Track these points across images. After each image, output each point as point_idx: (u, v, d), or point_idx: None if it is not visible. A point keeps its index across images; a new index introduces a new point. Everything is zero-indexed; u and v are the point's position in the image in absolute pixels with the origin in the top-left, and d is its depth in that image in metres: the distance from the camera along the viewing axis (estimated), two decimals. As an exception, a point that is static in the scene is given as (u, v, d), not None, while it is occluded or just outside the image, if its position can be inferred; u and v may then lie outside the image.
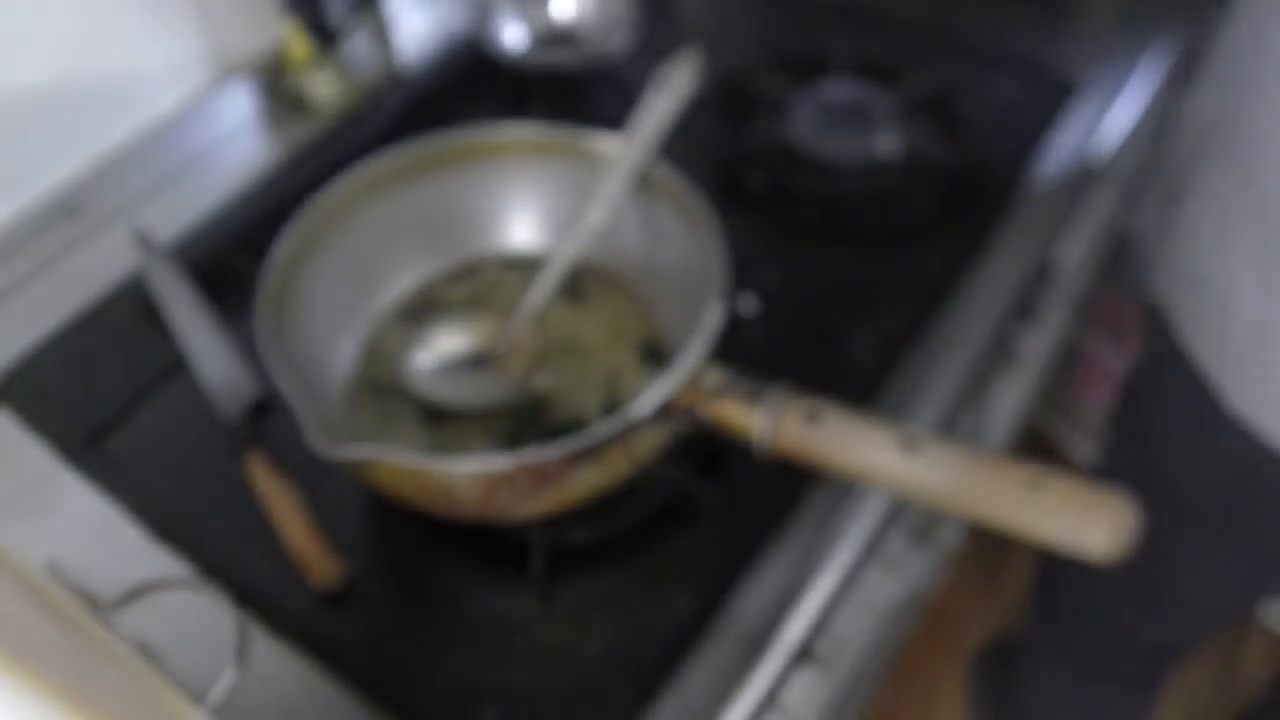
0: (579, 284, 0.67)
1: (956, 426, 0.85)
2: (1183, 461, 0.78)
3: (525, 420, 0.61)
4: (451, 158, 0.66)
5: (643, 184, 0.64)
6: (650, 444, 0.54)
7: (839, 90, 0.84)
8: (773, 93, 0.84)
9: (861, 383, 0.67)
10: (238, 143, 0.85)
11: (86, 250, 0.77)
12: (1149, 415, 0.81)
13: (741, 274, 0.66)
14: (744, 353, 0.67)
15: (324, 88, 0.85)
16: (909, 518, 0.92)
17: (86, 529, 0.61)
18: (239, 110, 0.85)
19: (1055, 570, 1.05)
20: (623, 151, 0.63)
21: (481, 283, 0.69)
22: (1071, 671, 1.07)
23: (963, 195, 0.79)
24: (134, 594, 0.57)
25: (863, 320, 0.70)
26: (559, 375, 0.63)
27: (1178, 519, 0.80)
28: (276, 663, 0.55)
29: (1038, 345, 1.07)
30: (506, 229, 0.70)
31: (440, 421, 0.61)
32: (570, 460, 0.50)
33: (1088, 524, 0.44)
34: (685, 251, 0.61)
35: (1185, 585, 0.86)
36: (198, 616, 0.57)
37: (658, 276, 0.66)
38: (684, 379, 0.52)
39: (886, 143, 0.80)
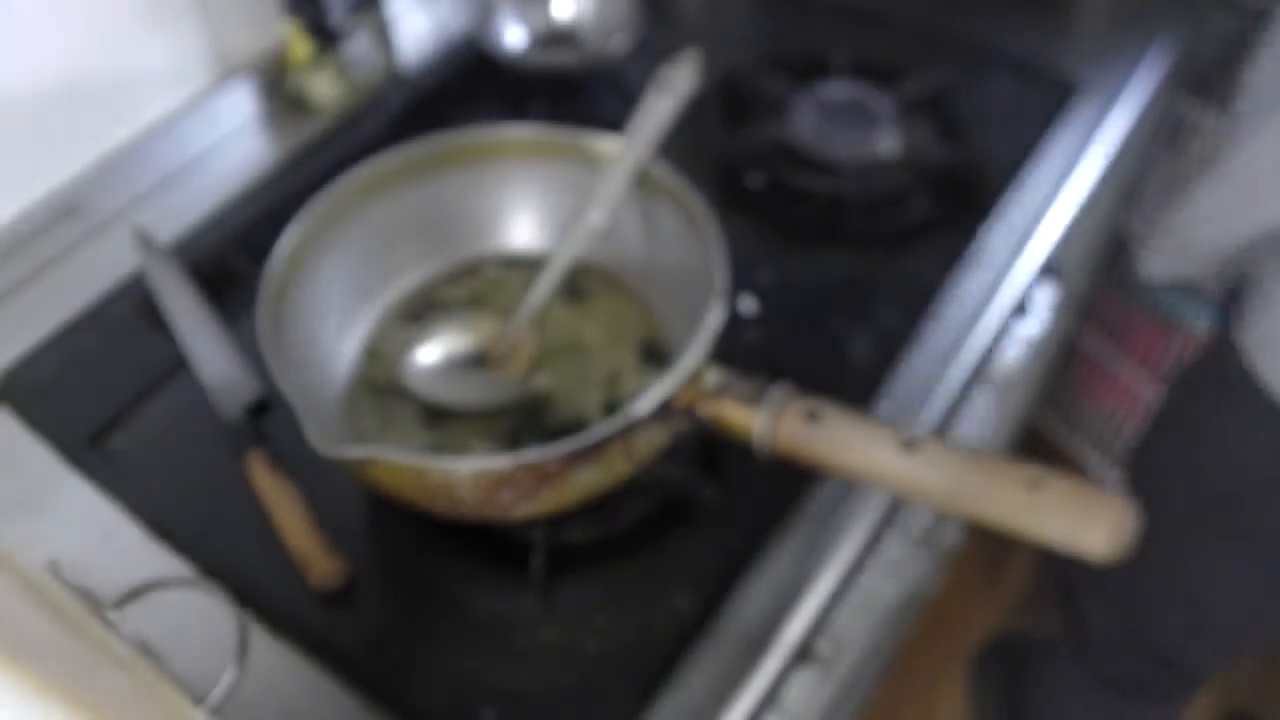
0: (579, 284, 0.67)
1: (956, 427, 0.85)
2: (1236, 471, 0.77)
3: (525, 420, 0.61)
4: (451, 158, 0.66)
5: (642, 184, 0.64)
6: (650, 444, 0.54)
7: (839, 90, 0.84)
8: (773, 93, 0.84)
9: (861, 383, 0.67)
10: (238, 143, 0.85)
11: (87, 250, 0.77)
12: (1205, 425, 0.81)
13: (741, 274, 0.66)
14: (744, 353, 0.67)
15: (324, 88, 0.85)
16: (909, 518, 0.92)
17: (87, 529, 0.61)
18: (240, 111, 0.85)
19: (1079, 579, 1.04)
20: (623, 151, 0.63)
21: (481, 283, 0.69)
22: (1091, 683, 1.05)
23: (962, 195, 0.79)
24: (134, 593, 0.57)
25: (862, 320, 0.70)
26: (559, 375, 0.63)
27: (1214, 527, 0.80)
28: (277, 662, 0.55)
29: (1038, 345, 1.07)
30: (506, 229, 0.70)
31: (440, 421, 0.61)
32: (570, 460, 0.50)
33: (1088, 524, 0.44)
34: (685, 251, 0.61)
35: (1218, 597, 0.85)
36: (198, 616, 0.57)
37: (658, 276, 0.66)
38: (684, 379, 0.52)
39: (886, 143, 0.80)
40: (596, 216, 0.63)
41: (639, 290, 0.67)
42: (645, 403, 0.51)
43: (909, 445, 0.47)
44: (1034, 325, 0.89)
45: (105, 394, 0.67)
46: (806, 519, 0.60)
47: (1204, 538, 0.83)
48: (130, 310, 0.72)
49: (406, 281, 0.68)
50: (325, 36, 0.83)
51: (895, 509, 0.64)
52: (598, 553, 0.59)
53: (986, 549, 1.43)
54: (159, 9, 0.78)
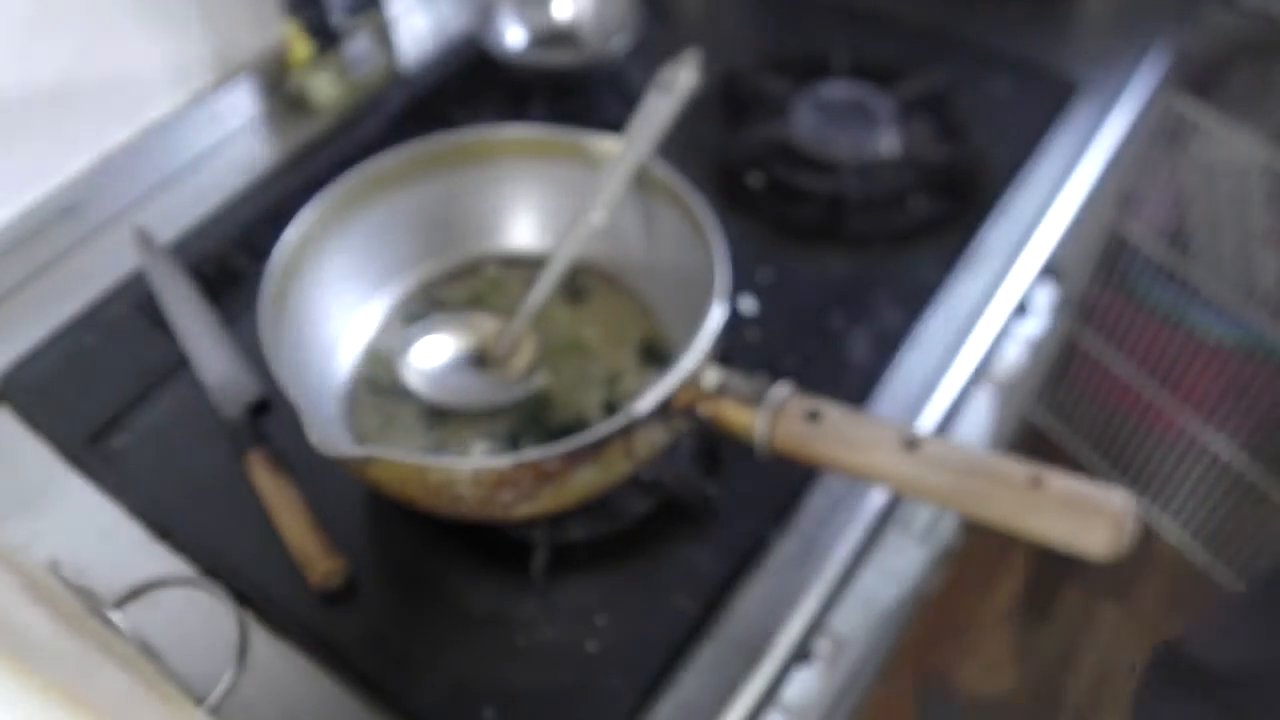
0: (579, 284, 0.67)
1: (956, 427, 0.85)
2: None
3: (525, 420, 0.61)
4: (451, 158, 0.66)
5: (643, 184, 0.64)
6: (650, 444, 0.54)
7: (838, 90, 0.84)
8: (773, 93, 0.85)
9: (861, 383, 0.67)
10: (239, 143, 0.85)
11: (87, 250, 0.77)
12: None
13: (741, 274, 0.66)
14: (744, 353, 0.67)
15: (325, 88, 0.85)
16: (909, 517, 0.92)
17: (87, 528, 0.61)
18: (240, 111, 0.85)
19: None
20: (623, 151, 0.63)
21: (481, 283, 0.69)
22: None
23: (962, 195, 0.79)
24: (135, 593, 0.57)
25: (861, 320, 0.70)
26: (559, 375, 0.64)
27: None
28: (277, 661, 0.55)
29: (1038, 345, 1.07)
30: (506, 229, 0.70)
31: (441, 421, 0.61)
32: (571, 459, 0.50)
33: (1088, 524, 0.44)
34: (685, 251, 0.61)
35: None
36: (198, 615, 0.57)
37: (658, 276, 0.66)
38: (684, 378, 0.52)
39: (886, 143, 0.80)
40: (597, 216, 0.63)
41: (639, 290, 0.67)
42: (645, 402, 0.51)
43: (909, 445, 0.47)
44: (1034, 325, 0.89)
45: (105, 394, 0.67)
46: (806, 519, 0.61)
47: None
48: (130, 310, 0.72)
49: (406, 281, 0.68)
50: (326, 36, 0.83)
51: (895, 508, 0.64)
52: (598, 553, 0.59)
53: (986, 548, 1.44)
54: (159, 9, 0.78)
